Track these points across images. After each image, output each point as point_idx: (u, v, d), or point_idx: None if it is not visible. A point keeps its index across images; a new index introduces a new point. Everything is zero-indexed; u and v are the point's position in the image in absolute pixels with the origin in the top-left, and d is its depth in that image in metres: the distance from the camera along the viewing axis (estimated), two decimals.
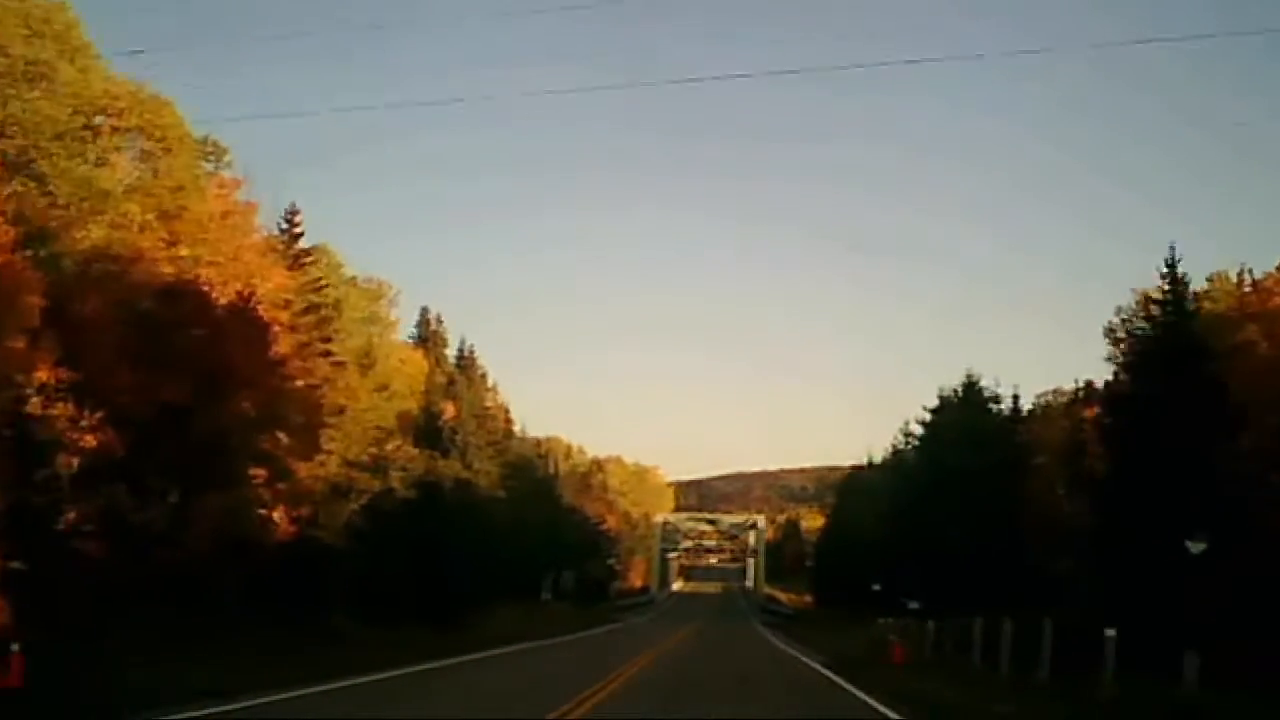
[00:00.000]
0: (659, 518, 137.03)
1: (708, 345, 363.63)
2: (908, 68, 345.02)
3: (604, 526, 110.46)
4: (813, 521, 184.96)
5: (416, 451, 45.96)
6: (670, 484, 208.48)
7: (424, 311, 76.93)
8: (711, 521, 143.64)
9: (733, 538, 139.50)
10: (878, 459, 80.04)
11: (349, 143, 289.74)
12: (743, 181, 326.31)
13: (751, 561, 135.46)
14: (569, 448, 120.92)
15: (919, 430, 48.04)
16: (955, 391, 45.17)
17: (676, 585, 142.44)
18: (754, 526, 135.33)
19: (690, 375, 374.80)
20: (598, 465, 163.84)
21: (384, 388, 52.31)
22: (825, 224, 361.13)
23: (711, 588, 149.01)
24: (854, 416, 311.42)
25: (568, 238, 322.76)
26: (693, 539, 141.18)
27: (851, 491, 76.33)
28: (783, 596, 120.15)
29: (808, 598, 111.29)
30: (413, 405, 56.65)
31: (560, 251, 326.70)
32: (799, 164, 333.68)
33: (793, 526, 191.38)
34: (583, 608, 65.68)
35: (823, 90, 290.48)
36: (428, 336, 76.07)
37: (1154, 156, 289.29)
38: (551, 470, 79.72)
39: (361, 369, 50.02)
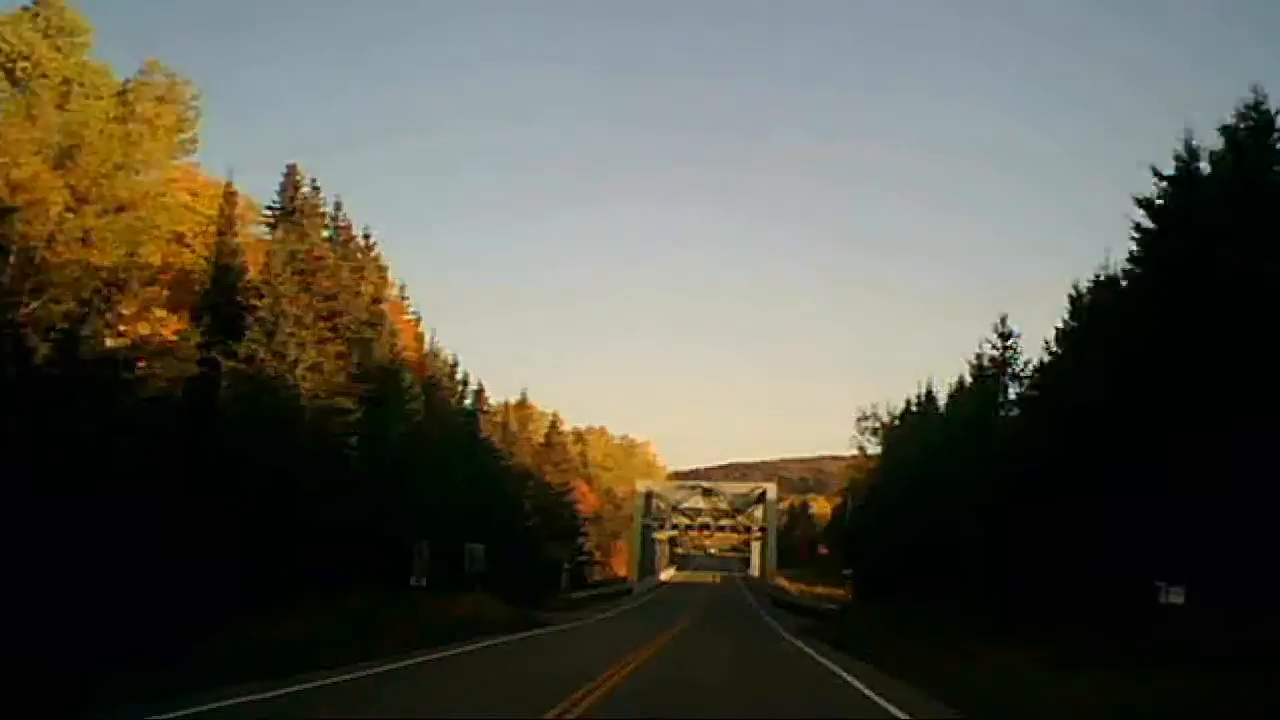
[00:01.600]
0: (641, 486, 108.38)
1: (707, 335, 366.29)
2: (907, 68, 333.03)
3: (575, 500, 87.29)
4: (821, 506, 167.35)
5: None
6: (668, 474, 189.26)
7: (291, 170, 53.90)
8: (708, 492, 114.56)
9: (735, 513, 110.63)
10: (942, 395, 57.43)
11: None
12: (743, 179, 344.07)
13: (757, 545, 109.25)
14: (525, 398, 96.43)
15: (1131, 249, 22.34)
16: (1234, 127, 19.98)
17: (666, 574, 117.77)
18: (762, 498, 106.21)
19: (689, 364, 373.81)
20: (577, 435, 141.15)
21: (120, 209, 30.26)
22: (825, 222, 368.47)
23: (708, 576, 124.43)
24: (854, 407, 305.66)
25: (571, 233, 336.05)
26: (686, 515, 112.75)
27: (911, 435, 51.97)
28: (791, 588, 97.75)
29: (819, 588, 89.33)
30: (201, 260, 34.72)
31: (564, 246, 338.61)
32: (799, 163, 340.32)
33: (801, 509, 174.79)
34: (512, 601, 42.24)
35: (823, 90, 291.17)
36: (294, 209, 53.02)
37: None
38: (468, 400, 55.65)
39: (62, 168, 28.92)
